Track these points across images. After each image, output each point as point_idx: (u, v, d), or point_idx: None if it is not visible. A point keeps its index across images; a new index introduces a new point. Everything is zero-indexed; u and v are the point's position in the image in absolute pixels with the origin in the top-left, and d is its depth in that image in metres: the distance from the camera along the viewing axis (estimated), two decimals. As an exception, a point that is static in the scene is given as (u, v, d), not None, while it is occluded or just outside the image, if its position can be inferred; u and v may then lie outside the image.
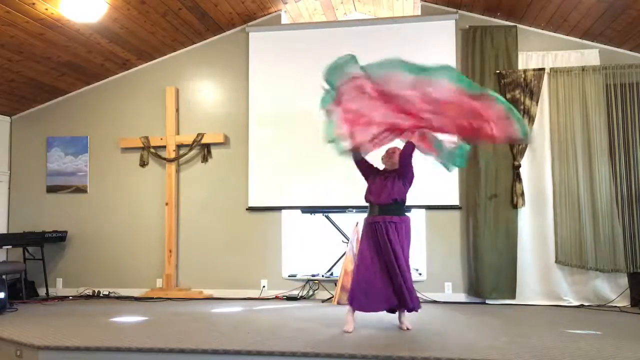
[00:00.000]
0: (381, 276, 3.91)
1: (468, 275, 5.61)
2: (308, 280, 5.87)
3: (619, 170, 5.36)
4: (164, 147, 6.25)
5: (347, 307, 3.99)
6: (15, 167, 6.63)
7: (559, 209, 5.41)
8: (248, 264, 6.00)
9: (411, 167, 4.06)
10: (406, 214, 4.12)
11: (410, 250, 4.08)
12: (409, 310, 3.96)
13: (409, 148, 4.01)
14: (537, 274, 5.45)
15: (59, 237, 6.22)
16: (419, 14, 5.98)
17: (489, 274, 5.42)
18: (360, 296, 3.90)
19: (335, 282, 5.59)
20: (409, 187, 4.10)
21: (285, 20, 6.27)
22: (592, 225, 5.31)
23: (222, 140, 6.15)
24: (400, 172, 4.04)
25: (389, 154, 4.15)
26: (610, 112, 5.41)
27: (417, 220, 5.65)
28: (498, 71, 5.58)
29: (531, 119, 5.46)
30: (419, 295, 5.51)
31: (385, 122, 3.96)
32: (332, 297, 5.50)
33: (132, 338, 3.70)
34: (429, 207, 5.70)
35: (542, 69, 5.53)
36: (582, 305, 5.28)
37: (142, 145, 6.27)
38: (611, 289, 5.30)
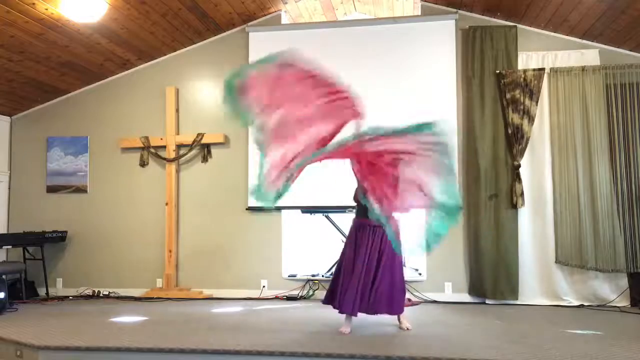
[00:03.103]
0: (361, 280, 3.88)
1: (468, 275, 5.62)
2: (308, 280, 5.87)
3: (619, 170, 5.35)
4: (164, 147, 6.25)
5: None
6: (15, 167, 6.63)
7: (559, 209, 5.41)
8: (248, 264, 6.00)
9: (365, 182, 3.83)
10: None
11: (401, 251, 4.00)
12: (370, 314, 3.94)
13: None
14: (537, 274, 5.45)
15: (59, 237, 6.22)
16: (419, 14, 5.98)
17: (489, 274, 5.42)
18: (345, 299, 3.89)
19: (335, 282, 5.59)
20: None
21: (285, 20, 6.26)
22: (592, 225, 5.31)
23: (222, 140, 6.15)
24: None
25: None
26: (610, 112, 5.40)
27: (417, 220, 5.65)
28: (498, 71, 5.58)
29: (531, 119, 5.46)
30: (418, 295, 5.57)
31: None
32: (332, 297, 5.50)
33: (132, 338, 3.71)
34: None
35: (542, 69, 5.53)
36: (582, 305, 5.28)
37: (142, 145, 6.27)
38: (611, 289, 5.30)
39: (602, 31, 5.33)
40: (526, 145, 5.47)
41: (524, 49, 5.64)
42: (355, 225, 4.09)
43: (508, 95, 5.51)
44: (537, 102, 5.48)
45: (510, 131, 5.49)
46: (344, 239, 5.67)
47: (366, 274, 3.89)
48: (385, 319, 4.16)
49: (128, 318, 4.66)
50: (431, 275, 5.69)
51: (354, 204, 5.49)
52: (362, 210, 4.02)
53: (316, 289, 5.81)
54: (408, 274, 5.23)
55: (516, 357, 3.18)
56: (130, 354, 3.44)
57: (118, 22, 5.30)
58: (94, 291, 6.20)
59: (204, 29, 6.04)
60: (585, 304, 5.30)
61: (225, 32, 6.26)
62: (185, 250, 6.18)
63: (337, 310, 3.98)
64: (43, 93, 6.39)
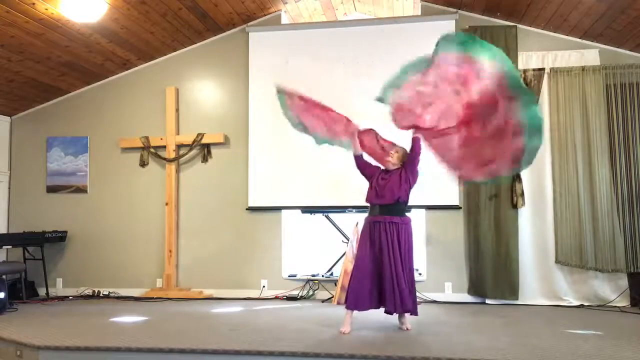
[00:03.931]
0: (375, 277, 3.89)
1: (468, 275, 5.62)
2: (308, 280, 5.87)
3: (619, 170, 5.36)
4: (164, 147, 6.25)
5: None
6: (15, 167, 6.63)
7: (559, 209, 5.41)
8: (248, 264, 6.00)
9: (417, 164, 4.04)
10: (407, 214, 4.12)
11: (412, 252, 4.04)
12: (399, 312, 3.94)
13: (418, 142, 3.99)
14: (537, 274, 5.45)
15: (59, 237, 6.22)
16: (419, 14, 5.98)
17: (489, 274, 5.43)
18: (355, 297, 3.88)
19: (335, 282, 5.58)
20: (413, 186, 4.08)
21: (285, 20, 6.27)
22: (592, 225, 5.31)
23: (222, 140, 6.15)
24: (406, 168, 4.01)
25: (391, 153, 4.13)
26: (610, 112, 5.41)
27: (417, 220, 5.65)
28: (498, 71, 5.58)
29: (531, 119, 5.46)
30: (418, 295, 5.55)
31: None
32: (332, 297, 5.50)
33: (132, 338, 3.70)
34: (429, 207, 5.70)
35: (542, 69, 5.53)
36: (582, 305, 5.28)
37: (142, 145, 6.27)
38: (611, 289, 5.30)
39: (602, 31, 5.33)
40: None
41: (524, 49, 5.63)
42: (369, 223, 4.05)
43: (508, 95, 5.50)
44: (537, 102, 5.48)
45: (510, 131, 5.48)
46: (344, 239, 5.70)
47: (376, 269, 3.88)
48: (385, 319, 4.16)
49: (128, 318, 4.66)
50: (431, 275, 5.69)
51: (353, 203, 5.54)
52: (376, 208, 4.02)
53: (316, 289, 5.81)
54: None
55: (516, 357, 3.18)
56: (130, 354, 3.44)
57: (118, 22, 5.30)
58: (94, 291, 6.20)
59: (204, 29, 6.04)
60: (585, 304, 5.30)
61: (225, 32, 6.26)
62: (185, 250, 6.18)
63: (334, 311, 3.96)
64: (43, 93, 6.39)
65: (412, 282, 3.99)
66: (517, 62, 5.58)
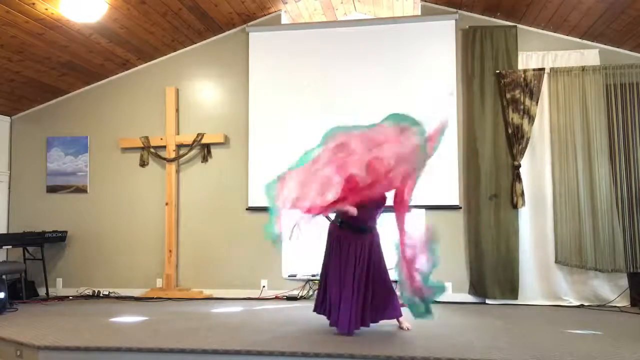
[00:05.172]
0: (355, 295, 3.79)
1: (468, 275, 5.62)
2: (308, 280, 5.87)
3: (618, 170, 5.35)
4: (164, 147, 6.25)
5: None
6: (15, 167, 6.63)
7: (559, 209, 5.41)
8: (248, 264, 6.00)
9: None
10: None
11: (384, 259, 3.98)
12: (391, 319, 3.94)
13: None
14: (537, 274, 5.45)
15: (59, 237, 6.22)
16: (419, 14, 5.98)
17: (489, 274, 5.43)
18: (339, 318, 3.80)
19: (335, 282, 5.59)
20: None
21: (285, 20, 6.27)
22: (592, 225, 5.31)
23: (222, 140, 6.15)
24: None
25: None
26: (610, 112, 5.41)
27: (417, 221, 5.65)
28: (498, 71, 5.58)
29: (531, 119, 5.46)
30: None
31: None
32: (332, 297, 5.50)
33: (132, 338, 3.71)
34: (429, 207, 5.68)
35: (542, 69, 5.53)
36: (582, 305, 5.28)
37: (142, 145, 6.27)
38: (611, 289, 5.30)
39: (602, 31, 5.33)
40: (526, 145, 5.47)
41: (524, 49, 5.63)
42: (337, 235, 3.97)
43: (508, 95, 5.51)
44: (537, 102, 5.48)
45: (510, 131, 5.49)
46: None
47: (358, 287, 3.80)
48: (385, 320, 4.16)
49: (128, 318, 4.66)
50: (431, 275, 5.67)
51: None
52: (346, 221, 3.91)
53: (316, 289, 5.80)
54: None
55: (516, 357, 3.18)
56: (130, 354, 3.44)
57: (118, 22, 5.30)
58: (94, 291, 6.20)
59: (204, 29, 6.04)
60: (585, 304, 5.30)
61: (225, 32, 6.26)
62: (185, 250, 6.18)
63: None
64: (43, 93, 6.39)
65: (387, 290, 3.93)
66: (517, 62, 5.60)
